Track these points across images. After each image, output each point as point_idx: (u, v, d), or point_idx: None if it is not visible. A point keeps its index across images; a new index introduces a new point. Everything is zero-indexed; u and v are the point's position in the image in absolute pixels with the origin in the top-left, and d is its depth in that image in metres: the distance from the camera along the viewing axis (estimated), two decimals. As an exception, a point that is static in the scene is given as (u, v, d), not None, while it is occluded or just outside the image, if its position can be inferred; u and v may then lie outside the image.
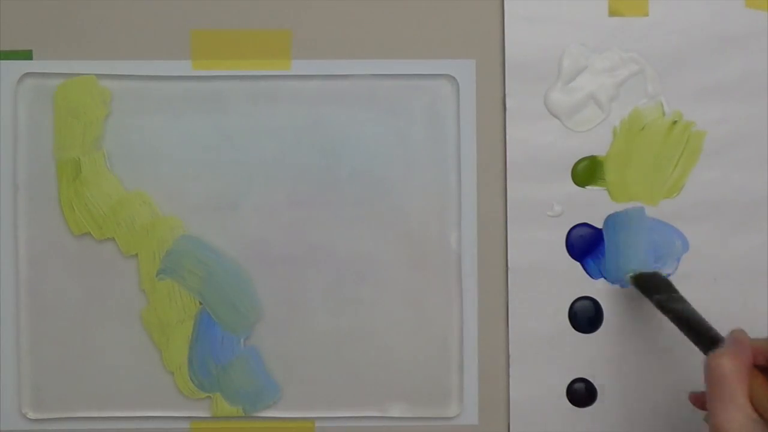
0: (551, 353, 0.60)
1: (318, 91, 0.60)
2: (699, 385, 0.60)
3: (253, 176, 0.60)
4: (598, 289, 0.60)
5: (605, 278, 0.60)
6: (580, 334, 0.60)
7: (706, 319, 0.53)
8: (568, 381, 0.60)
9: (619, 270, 0.60)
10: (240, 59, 0.60)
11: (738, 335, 0.50)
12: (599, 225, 0.60)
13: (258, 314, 0.60)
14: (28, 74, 0.60)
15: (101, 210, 0.60)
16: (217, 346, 0.60)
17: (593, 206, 0.60)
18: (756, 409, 0.47)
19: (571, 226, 0.60)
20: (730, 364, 0.47)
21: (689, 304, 0.55)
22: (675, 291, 0.57)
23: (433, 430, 0.60)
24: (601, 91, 0.60)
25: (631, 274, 0.59)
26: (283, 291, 0.60)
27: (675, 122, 0.60)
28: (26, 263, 0.60)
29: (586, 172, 0.60)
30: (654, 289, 0.57)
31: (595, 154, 0.60)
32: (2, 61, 0.60)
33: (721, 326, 0.60)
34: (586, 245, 0.60)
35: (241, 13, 0.60)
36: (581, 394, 0.60)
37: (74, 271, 0.60)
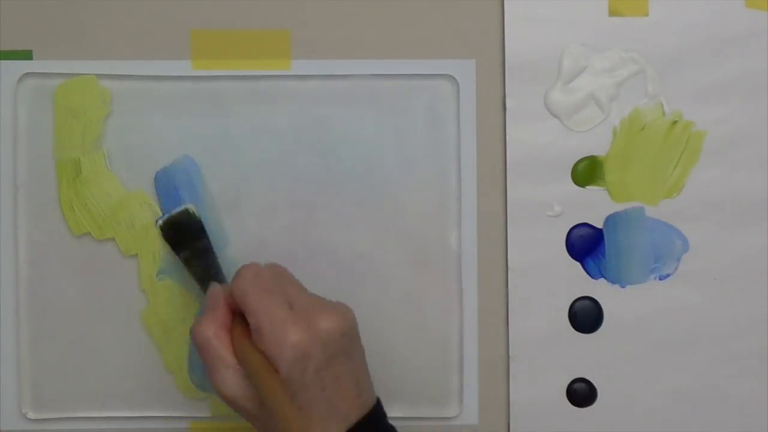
0: (551, 353, 0.60)
1: (318, 91, 0.60)
2: (699, 383, 0.60)
3: (253, 176, 0.60)
4: (598, 289, 0.60)
5: (605, 278, 0.60)
6: (580, 334, 0.60)
7: (221, 269, 0.56)
8: (568, 381, 0.60)
9: (620, 270, 0.60)
10: (240, 59, 0.60)
11: (212, 295, 0.52)
12: (599, 225, 0.60)
13: (258, 314, 0.60)
14: (28, 74, 0.60)
15: (101, 210, 0.60)
16: (217, 346, 0.60)
17: (593, 206, 0.60)
18: (240, 363, 0.49)
19: (571, 226, 0.60)
20: (209, 330, 0.50)
21: (211, 253, 0.57)
22: (201, 236, 0.57)
23: (433, 430, 0.60)
24: (601, 91, 0.60)
25: (161, 222, 0.58)
26: (283, 291, 0.60)
27: (675, 122, 0.60)
28: (26, 263, 0.60)
29: (586, 172, 0.60)
30: (181, 241, 0.57)
31: (595, 154, 0.60)
32: (2, 61, 0.60)
33: (722, 326, 0.60)
34: (586, 245, 0.60)
35: (241, 13, 0.60)
36: (581, 394, 0.60)
37: (74, 271, 0.60)
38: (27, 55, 0.60)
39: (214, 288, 0.53)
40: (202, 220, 0.58)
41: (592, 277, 0.60)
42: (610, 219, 0.60)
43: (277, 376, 0.48)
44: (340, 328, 0.49)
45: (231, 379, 0.50)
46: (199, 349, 0.51)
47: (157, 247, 0.60)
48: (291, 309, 0.49)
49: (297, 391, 0.47)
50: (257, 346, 0.49)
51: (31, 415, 0.60)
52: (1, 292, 0.60)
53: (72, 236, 0.60)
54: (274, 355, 0.48)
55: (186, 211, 0.58)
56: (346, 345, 0.49)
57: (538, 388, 0.60)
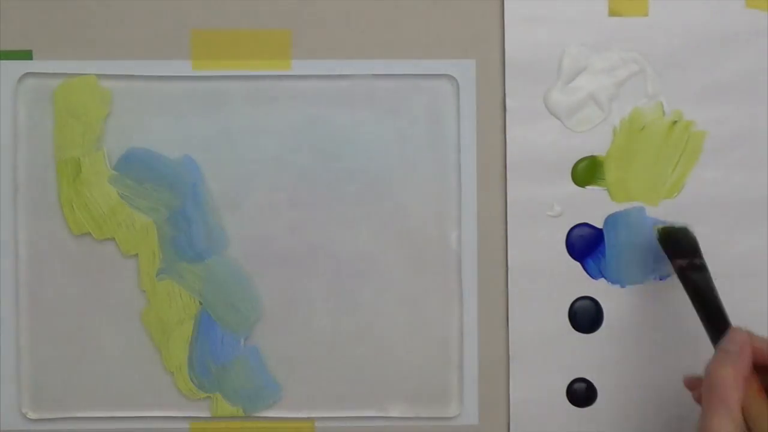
0: (551, 353, 0.60)
1: (318, 91, 0.60)
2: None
3: (253, 176, 0.60)
4: (598, 289, 0.60)
5: (605, 278, 0.60)
6: (580, 334, 0.60)
7: (719, 298, 0.53)
8: (568, 381, 0.60)
9: (620, 270, 0.60)
10: (240, 59, 0.60)
11: (740, 338, 0.50)
12: (599, 225, 0.60)
13: (258, 314, 0.60)
14: (28, 74, 0.60)
15: (101, 210, 0.60)
16: (217, 346, 0.60)
17: (593, 206, 0.60)
18: (746, 419, 0.47)
19: (571, 226, 0.60)
20: (729, 374, 0.48)
21: (709, 275, 0.55)
22: (699, 255, 0.56)
23: (433, 430, 0.60)
24: (601, 91, 0.60)
25: (659, 227, 0.58)
26: (283, 291, 0.60)
27: (675, 122, 0.60)
28: (26, 263, 0.60)
29: (586, 172, 0.60)
30: (678, 251, 0.56)
31: (595, 154, 0.60)
32: (2, 61, 0.60)
33: (721, 326, 0.60)
34: (586, 245, 0.60)
35: (241, 13, 0.60)
36: (581, 394, 0.60)
37: (74, 271, 0.60)
38: (27, 55, 0.60)
39: (744, 334, 0.50)
40: (696, 240, 0.57)
41: (592, 277, 0.60)
42: (610, 219, 0.60)
43: None
44: None
45: (729, 430, 0.47)
46: (709, 389, 0.48)
47: (156, 246, 0.60)
48: None
49: None
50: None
51: (31, 415, 0.60)
52: (1, 292, 0.60)
53: (72, 236, 0.60)
54: None
55: (686, 228, 0.58)
56: None
57: (538, 388, 0.60)
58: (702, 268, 0.56)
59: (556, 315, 0.60)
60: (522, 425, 0.60)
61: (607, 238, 0.60)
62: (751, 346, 0.49)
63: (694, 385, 0.54)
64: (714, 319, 0.53)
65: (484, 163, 0.60)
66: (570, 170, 0.60)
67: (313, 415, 0.60)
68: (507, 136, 0.60)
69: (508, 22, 0.60)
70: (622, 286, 0.60)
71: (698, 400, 0.53)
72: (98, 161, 0.60)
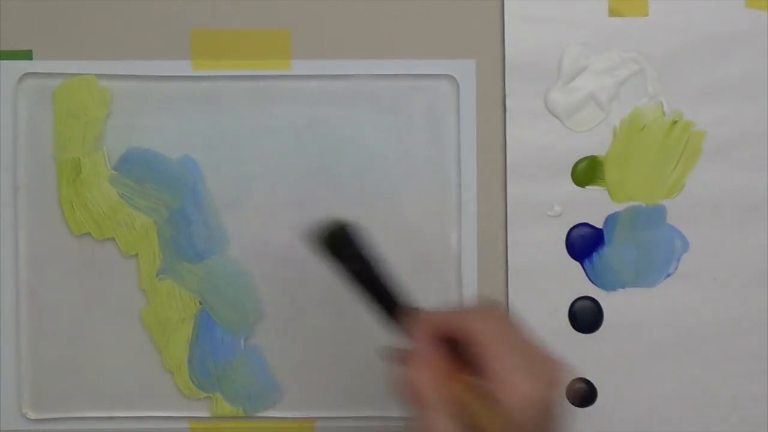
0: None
1: (318, 91, 0.60)
2: (699, 383, 0.60)
3: (253, 176, 0.60)
4: (598, 289, 0.60)
5: (605, 278, 0.60)
6: (580, 334, 0.60)
7: (386, 282, 0.50)
8: (568, 381, 0.60)
9: (620, 270, 0.60)
10: (240, 59, 0.60)
11: (419, 338, 0.47)
12: (599, 225, 0.60)
13: (258, 314, 0.60)
14: (28, 74, 0.60)
15: (101, 210, 0.60)
16: (217, 346, 0.60)
17: (593, 206, 0.60)
18: (454, 403, 0.45)
19: (571, 226, 0.60)
20: (422, 378, 0.45)
21: (377, 266, 0.51)
22: (362, 253, 0.51)
23: (433, 430, 0.60)
24: (601, 91, 0.60)
25: (318, 234, 0.51)
26: (283, 291, 0.60)
27: (675, 122, 0.60)
28: (26, 263, 0.60)
29: (586, 172, 0.60)
30: (346, 255, 0.51)
31: (595, 154, 0.60)
32: (2, 61, 0.60)
33: (722, 326, 0.60)
34: (586, 245, 0.60)
35: (241, 13, 0.60)
36: (581, 394, 0.60)
37: (74, 271, 0.60)
38: (27, 55, 0.60)
39: (420, 323, 0.48)
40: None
41: (592, 277, 0.60)
42: (610, 219, 0.60)
43: (498, 421, 0.45)
44: (563, 383, 0.47)
45: (443, 424, 0.45)
46: (409, 392, 0.46)
47: (156, 246, 0.60)
48: (521, 356, 0.46)
49: None
50: (478, 387, 0.45)
51: (31, 415, 0.60)
52: (1, 292, 0.60)
53: (72, 236, 0.60)
54: (499, 400, 0.44)
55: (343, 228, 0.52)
56: (559, 401, 0.47)
57: (538, 388, 0.60)
58: (371, 264, 0.51)
59: (556, 315, 0.60)
60: (522, 425, 0.60)
61: (607, 238, 0.60)
62: (427, 334, 0.47)
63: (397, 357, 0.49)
64: (387, 304, 0.50)
65: (484, 163, 0.60)
66: (570, 170, 0.60)
67: (313, 415, 0.60)
68: (507, 136, 0.60)
69: (508, 22, 0.60)
70: (622, 287, 0.60)
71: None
72: (98, 161, 0.60)
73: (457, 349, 0.46)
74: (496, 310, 0.48)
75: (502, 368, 0.45)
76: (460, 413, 0.45)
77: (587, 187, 0.60)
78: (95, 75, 0.60)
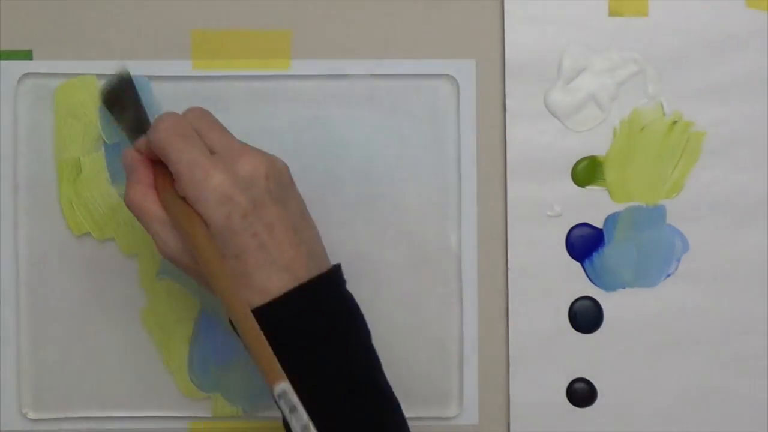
0: (551, 353, 0.60)
1: (318, 91, 0.60)
2: (699, 383, 0.60)
3: (253, 176, 0.60)
4: (598, 289, 0.60)
5: (605, 278, 0.60)
6: (580, 334, 0.60)
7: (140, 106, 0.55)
8: (568, 381, 0.60)
9: (620, 270, 0.60)
10: (240, 59, 0.60)
11: (127, 159, 0.51)
12: (599, 225, 0.60)
13: (258, 314, 0.60)
14: (28, 74, 0.60)
15: (101, 210, 0.60)
16: (217, 346, 0.60)
17: (593, 206, 0.60)
18: (168, 215, 0.49)
19: (571, 226, 0.60)
20: (137, 193, 0.49)
21: (139, 105, 0.55)
22: (132, 99, 0.56)
23: (433, 430, 0.60)
24: (601, 91, 0.60)
25: (101, 93, 0.57)
26: (283, 291, 0.60)
27: (675, 122, 0.60)
28: (26, 263, 0.60)
29: (586, 172, 0.60)
30: (122, 108, 0.56)
31: (595, 154, 0.60)
32: (2, 61, 0.60)
33: (722, 326, 0.60)
34: (586, 245, 0.60)
35: (241, 13, 0.60)
36: (581, 394, 0.60)
37: (74, 271, 0.60)
38: (27, 55, 0.60)
39: (127, 154, 0.51)
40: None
41: (592, 277, 0.60)
42: (610, 219, 0.60)
43: (201, 222, 0.47)
44: (264, 172, 0.48)
45: (168, 236, 0.49)
46: (138, 218, 0.50)
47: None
48: (213, 153, 0.48)
49: (226, 238, 0.46)
50: (179, 194, 0.48)
51: (31, 415, 0.60)
52: (1, 292, 0.60)
53: (72, 236, 0.60)
54: (195, 200, 0.46)
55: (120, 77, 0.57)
56: (275, 191, 0.48)
57: (538, 388, 0.60)
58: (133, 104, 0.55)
59: (556, 315, 0.60)
60: (522, 425, 0.60)
61: (607, 238, 0.60)
62: (139, 157, 0.50)
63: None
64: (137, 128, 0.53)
65: (484, 163, 0.60)
66: (570, 170, 0.60)
67: (313, 415, 0.60)
68: (507, 136, 0.60)
69: (508, 22, 0.60)
70: (622, 287, 0.60)
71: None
72: (98, 161, 0.60)
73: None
74: (174, 116, 0.50)
75: (182, 168, 0.47)
76: (174, 222, 0.48)
77: (587, 187, 0.60)
78: (95, 75, 0.60)
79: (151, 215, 0.49)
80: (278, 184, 0.49)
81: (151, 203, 0.49)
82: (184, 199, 0.47)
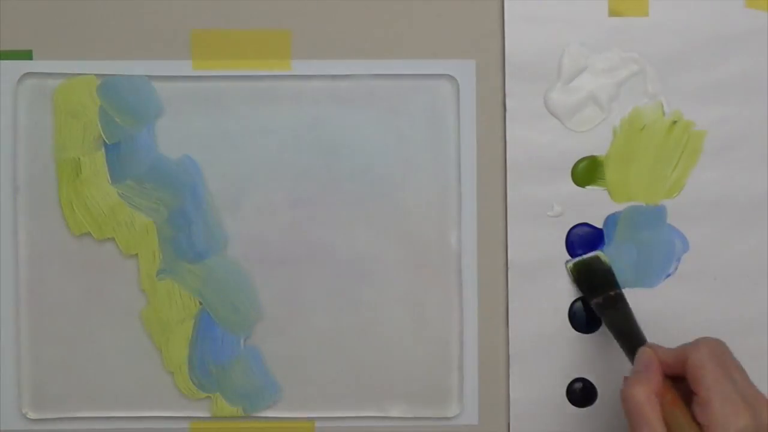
0: (551, 353, 0.60)
1: (318, 91, 0.60)
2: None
3: (253, 176, 0.60)
4: (598, 289, 0.60)
5: (605, 278, 0.60)
6: (580, 334, 0.60)
7: (635, 323, 0.56)
8: (568, 381, 0.60)
9: (619, 270, 0.60)
10: (240, 59, 0.60)
11: (645, 358, 0.52)
12: (599, 225, 0.60)
13: (258, 314, 0.60)
14: (28, 74, 0.60)
15: (101, 210, 0.60)
16: (217, 346, 0.60)
17: (593, 206, 0.60)
18: (669, 429, 0.49)
19: (571, 226, 0.60)
20: (641, 393, 0.50)
21: (624, 303, 0.57)
22: (613, 286, 0.58)
23: (433, 430, 0.60)
24: (601, 91, 0.60)
25: (571, 263, 0.59)
26: (283, 291, 0.60)
27: (675, 122, 0.60)
28: (26, 263, 0.60)
29: (586, 172, 0.60)
30: (592, 288, 0.58)
31: (595, 154, 0.60)
32: (2, 61, 0.60)
33: (722, 326, 0.60)
34: (586, 245, 0.60)
35: (241, 13, 0.60)
36: (581, 394, 0.60)
37: (74, 271, 0.60)
38: (27, 55, 0.60)
39: (647, 352, 0.53)
40: (610, 269, 0.59)
41: (592, 277, 0.60)
42: (610, 219, 0.60)
43: None
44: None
45: None
46: (628, 411, 0.50)
47: (156, 246, 0.60)
48: (734, 388, 0.49)
49: None
50: (693, 419, 0.49)
51: (31, 415, 0.60)
52: (1, 292, 0.60)
53: (72, 236, 0.60)
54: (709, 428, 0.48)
55: (597, 258, 0.59)
56: None
57: (538, 388, 0.60)
58: (617, 299, 0.57)
59: (556, 315, 0.60)
60: (522, 425, 0.60)
61: (607, 238, 0.60)
62: (657, 361, 0.52)
63: None
64: (633, 344, 0.54)
65: (484, 163, 0.60)
66: (570, 170, 0.60)
67: (313, 415, 0.60)
68: (507, 136, 0.60)
69: (508, 22, 0.60)
70: (622, 287, 0.60)
71: None
72: (98, 161, 0.60)
73: (679, 387, 0.51)
74: (716, 343, 0.51)
75: (715, 397, 0.48)
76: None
77: (587, 187, 0.60)
78: (95, 75, 0.60)
79: (646, 419, 0.50)
80: None
81: (651, 408, 0.50)
82: (695, 422, 0.49)
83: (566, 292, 0.60)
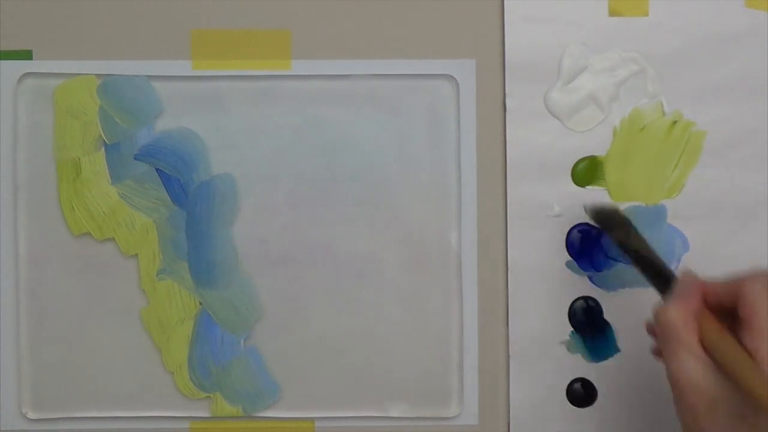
0: (551, 353, 0.60)
1: (318, 91, 0.60)
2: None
3: (253, 176, 0.60)
4: (598, 289, 0.60)
5: (605, 278, 0.60)
6: (580, 333, 0.60)
7: (661, 257, 0.53)
8: (568, 381, 0.60)
9: (619, 270, 0.60)
10: (240, 59, 0.60)
11: (687, 279, 0.49)
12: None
13: (258, 314, 0.60)
14: (28, 74, 0.60)
15: (101, 210, 0.60)
16: (217, 346, 0.60)
17: (593, 206, 0.60)
18: (707, 352, 0.46)
19: (571, 226, 0.60)
20: (677, 314, 0.47)
21: (647, 243, 0.54)
22: (634, 229, 0.55)
23: (433, 430, 0.60)
24: (601, 91, 0.60)
25: (591, 207, 0.57)
26: (283, 291, 0.60)
27: (675, 122, 0.60)
28: (26, 263, 0.60)
29: (586, 172, 0.60)
30: (614, 226, 0.56)
31: (595, 154, 0.60)
32: (2, 61, 0.60)
33: (721, 326, 0.60)
34: (586, 245, 0.60)
35: (241, 13, 0.60)
36: (581, 394, 0.60)
37: (74, 271, 0.60)
38: (27, 55, 0.60)
39: (691, 276, 0.49)
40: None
41: (592, 278, 0.60)
42: (610, 219, 0.60)
43: (763, 374, 0.44)
44: None
45: (694, 367, 0.46)
46: (662, 335, 0.47)
47: (156, 246, 0.60)
48: None
49: None
50: (738, 341, 0.46)
51: (31, 415, 0.60)
52: (1, 292, 0.60)
53: (72, 236, 0.60)
54: (763, 356, 0.45)
55: (615, 207, 0.59)
56: None
57: (538, 388, 0.60)
58: (638, 236, 0.55)
59: (556, 315, 0.60)
60: (522, 425, 0.60)
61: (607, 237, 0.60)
62: (700, 286, 0.49)
63: (653, 330, 0.52)
64: (661, 276, 0.52)
65: (484, 163, 0.60)
66: (570, 170, 0.60)
67: (313, 415, 0.60)
68: (507, 136, 0.60)
69: (508, 22, 0.60)
70: (622, 287, 0.60)
71: (655, 352, 0.53)
72: (98, 161, 0.60)
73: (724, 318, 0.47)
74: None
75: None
76: (713, 360, 0.46)
77: (587, 187, 0.60)
78: (95, 75, 0.60)
79: (684, 343, 0.47)
80: None
81: (689, 331, 0.47)
82: (743, 347, 0.46)
83: (566, 292, 0.60)
